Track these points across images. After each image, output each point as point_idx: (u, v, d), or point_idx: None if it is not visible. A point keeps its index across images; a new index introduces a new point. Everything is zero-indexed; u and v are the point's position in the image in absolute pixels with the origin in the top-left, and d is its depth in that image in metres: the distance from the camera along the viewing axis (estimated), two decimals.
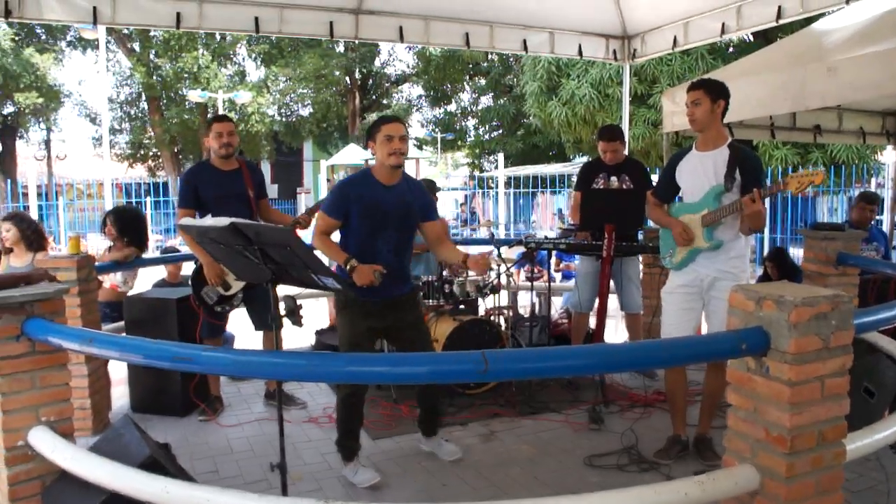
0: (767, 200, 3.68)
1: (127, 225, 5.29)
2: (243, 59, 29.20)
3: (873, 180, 14.68)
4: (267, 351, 2.47)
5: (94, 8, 5.62)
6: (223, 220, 2.45)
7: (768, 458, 2.24)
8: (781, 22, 5.78)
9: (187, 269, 6.76)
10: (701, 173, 3.79)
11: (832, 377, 2.23)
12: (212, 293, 4.52)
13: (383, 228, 3.63)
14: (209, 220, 2.63)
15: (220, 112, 22.95)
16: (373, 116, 30.61)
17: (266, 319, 4.65)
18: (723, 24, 6.38)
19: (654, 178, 5.62)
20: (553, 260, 6.79)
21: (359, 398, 3.77)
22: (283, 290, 2.99)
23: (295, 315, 2.63)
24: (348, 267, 3.47)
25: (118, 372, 5.20)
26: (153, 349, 2.26)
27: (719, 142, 3.79)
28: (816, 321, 2.17)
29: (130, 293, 5.37)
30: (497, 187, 17.91)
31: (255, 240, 2.49)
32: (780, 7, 5.69)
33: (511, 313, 5.70)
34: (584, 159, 21.73)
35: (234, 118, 21.20)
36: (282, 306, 2.76)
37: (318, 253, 3.16)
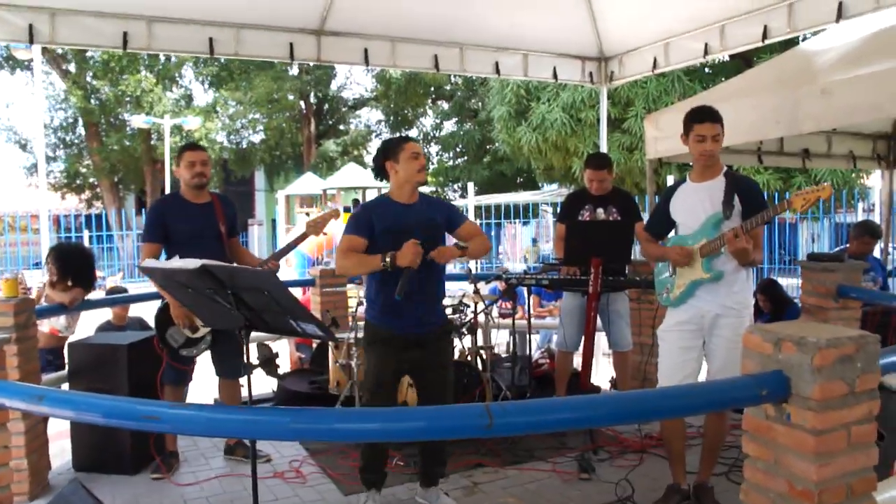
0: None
1: (70, 264, 5.11)
2: (190, 81, 29.01)
3: (859, 205, 15.00)
4: (244, 408, 2.35)
5: (31, 25, 5.46)
6: (193, 262, 2.35)
7: None
8: (768, 42, 5.86)
9: (135, 311, 6.61)
10: (697, 204, 3.80)
11: (859, 424, 2.19)
12: (177, 335, 4.39)
13: None
14: (176, 262, 2.53)
15: (167, 139, 22.73)
16: (329, 143, 30.54)
17: (233, 366, 4.54)
18: (706, 45, 6.43)
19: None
20: (532, 298, 6.76)
21: None
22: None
23: (270, 364, 2.53)
24: (388, 260, 3.54)
25: (56, 425, 4.99)
26: (116, 408, 2.12)
27: (716, 171, 3.82)
28: (841, 364, 2.14)
29: (72, 338, 5.18)
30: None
31: (228, 283, 2.39)
32: (766, 26, 5.77)
33: (488, 354, 5.63)
34: (555, 187, 21.92)
35: (181, 145, 20.92)
36: (255, 354, 2.66)
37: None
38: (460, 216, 4.04)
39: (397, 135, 28.28)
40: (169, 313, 4.37)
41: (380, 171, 3.87)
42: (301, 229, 4.88)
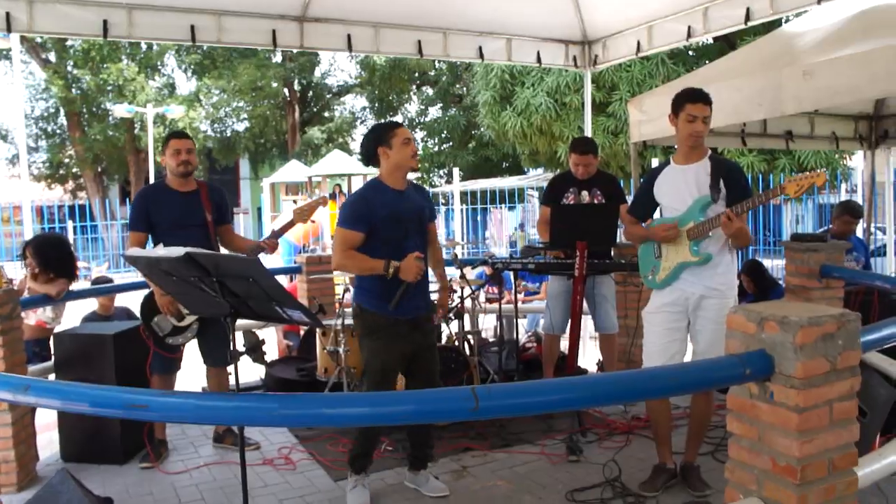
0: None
1: (51, 256, 5.05)
2: (172, 70, 28.79)
3: (842, 186, 15.10)
4: (232, 394, 2.35)
5: (7, 14, 5.39)
6: (177, 250, 2.35)
7: (777, 491, 2.22)
8: (750, 24, 5.87)
9: (121, 300, 6.58)
10: (683, 187, 3.81)
11: (840, 401, 2.23)
12: (164, 323, 4.38)
13: (408, 235, 3.76)
14: (161, 250, 2.53)
15: (150, 128, 22.56)
16: (314, 130, 30.42)
17: (221, 355, 4.54)
18: (689, 28, 6.45)
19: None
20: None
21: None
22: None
23: (257, 352, 2.54)
24: (391, 271, 3.59)
25: (44, 417, 4.98)
26: (102, 396, 2.12)
27: (701, 154, 3.83)
28: (823, 342, 2.17)
29: (58, 329, 5.16)
30: (452, 203, 17.94)
31: (212, 271, 2.39)
32: (748, 8, 5.78)
33: (476, 338, 5.65)
34: (540, 171, 21.94)
35: (167, 133, 20.84)
36: (241, 342, 2.67)
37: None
38: (434, 213, 4.11)
39: (384, 120, 28.31)
40: (155, 301, 4.37)
41: (370, 157, 3.84)
42: (288, 217, 4.86)
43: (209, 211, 4.53)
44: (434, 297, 4.16)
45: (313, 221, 4.79)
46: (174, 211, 4.43)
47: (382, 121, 30.17)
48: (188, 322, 4.42)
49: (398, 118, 31.05)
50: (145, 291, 4.60)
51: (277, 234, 4.81)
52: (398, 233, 3.72)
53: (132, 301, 6.20)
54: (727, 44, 13.60)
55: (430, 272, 4.11)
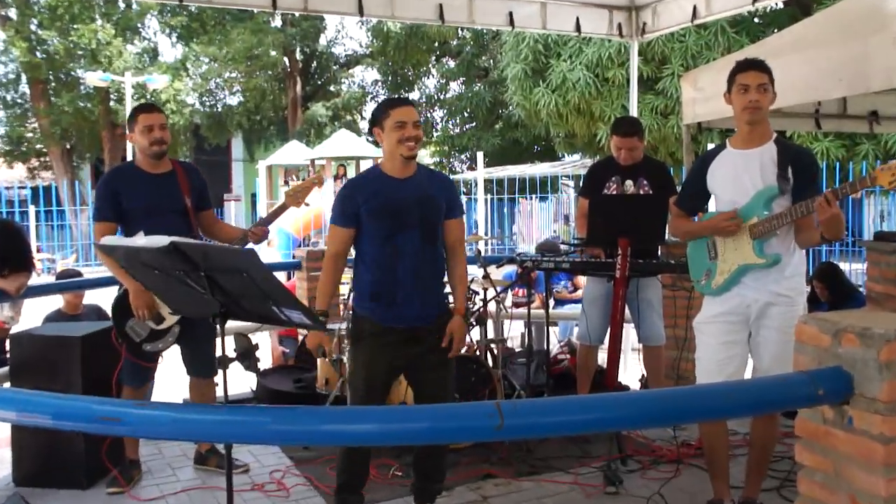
0: None
1: (3, 248, 5.02)
2: (155, 33, 29.02)
3: None
4: (218, 406, 2.35)
5: None
6: (160, 239, 2.36)
7: None
8: None
9: (91, 297, 6.62)
10: (743, 175, 3.75)
11: None
12: (140, 328, 4.34)
13: (403, 227, 3.66)
14: (141, 239, 2.53)
15: (128, 99, 22.71)
16: (317, 107, 30.55)
17: (208, 363, 4.49)
18: None
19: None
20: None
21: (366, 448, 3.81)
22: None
23: (249, 358, 2.55)
24: (320, 316, 3.53)
25: None
26: (68, 407, 2.12)
27: (765, 137, 3.77)
28: None
29: (15, 329, 5.18)
30: (475, 192, 17.94)
31: (201, 264, 2.40)
32: None
33: (500, 348, 5.63)
34: (577, 158, 21.90)
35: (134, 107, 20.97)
36: (232, 347, 2.67)
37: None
38: (458, 206, 3.95)
39: (396, 95, 28.33)
40: (128, 303, 4.33)
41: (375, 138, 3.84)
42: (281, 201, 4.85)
43: (188, 195, 4.49)
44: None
45: (307, 204, 4.75)
46: (146, 196, 4.38)
47: (392, 97, 30.27)
48: (168, 325, 4.38)
49: (414, 94, 31.07)
50: (117, 288, 4.56)
51: (267, 221, 4.80)
52: (387, 227, 3.64)
53: (104, 298, 6.24)
54: (800, 8, 13.51)
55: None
